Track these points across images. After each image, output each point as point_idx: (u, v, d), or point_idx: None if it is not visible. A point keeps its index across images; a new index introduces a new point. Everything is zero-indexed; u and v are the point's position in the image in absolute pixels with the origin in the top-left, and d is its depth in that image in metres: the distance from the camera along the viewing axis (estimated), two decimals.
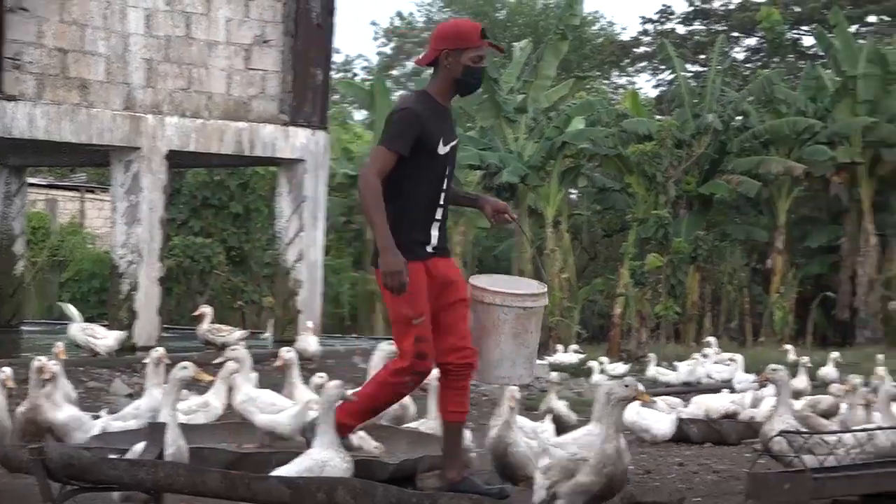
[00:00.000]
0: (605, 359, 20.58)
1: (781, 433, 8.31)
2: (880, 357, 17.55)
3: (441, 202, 6.33)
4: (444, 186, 6.38)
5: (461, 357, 6.41)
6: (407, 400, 9.43)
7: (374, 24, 61.18)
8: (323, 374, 9.17)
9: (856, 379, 10.79)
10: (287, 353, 9.14)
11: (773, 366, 10.03)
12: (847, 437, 8.54)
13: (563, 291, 30.93)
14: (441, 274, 6.34)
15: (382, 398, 6.63)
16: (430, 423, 8.18)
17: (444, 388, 6.59)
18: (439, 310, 6.42)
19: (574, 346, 24.08)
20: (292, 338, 16.27)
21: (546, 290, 6.78)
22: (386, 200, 6.15)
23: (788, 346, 24.17)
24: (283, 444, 7.62)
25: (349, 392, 6.90)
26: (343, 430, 6.52)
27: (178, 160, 17.74)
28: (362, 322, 32.52)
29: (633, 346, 27.23)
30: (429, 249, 6.27)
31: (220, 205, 27.64)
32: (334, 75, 38.22)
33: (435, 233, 6.30)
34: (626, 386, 6.71)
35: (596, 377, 17.67)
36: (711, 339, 22.23)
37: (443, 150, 6.29)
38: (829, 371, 17.38)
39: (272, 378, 10.25)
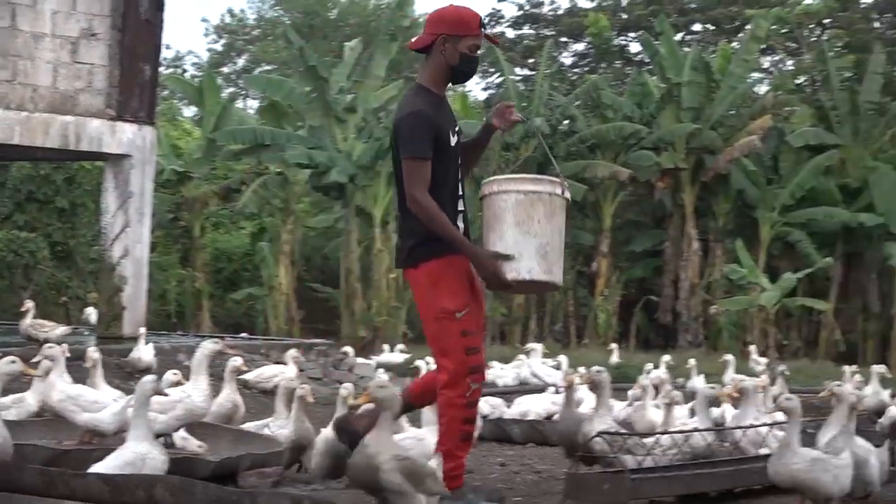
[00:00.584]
0: (430, 359, 22.00)
1: (600, 434, 8.63)
2: (692, 361, 17.98)
3: (461, 192, 6.38)
4: (460, 176, 6.43)
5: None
6: (238, 399, 9.85)
7: (204, 20, 62.09)
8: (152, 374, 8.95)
9: (645, 381, 11.28)
10: (94, 352, 9.13)
11: (596, 368, 10.12)
12: (664, 438, 8.86)
13: (390, 291, 31.75)
14: (469, 268, 6.42)
15: (456, 420, 6.36)
16: (280, 422, 8.31)
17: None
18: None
19: (400, 346, 24.61)
20: (117, 334, 16.35)
21: (561, 181, 6.48)
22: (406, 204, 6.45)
23: (613, 345, 25.85)
24: (109, 441, 7.62)
25: (308, 388, 7.76)
26: (457, 475, 6.31)
27: (2, 153, 17.67)
28: (188, 319, 32.93)
29: None
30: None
31: (46, 199, 27.29)
32: (164, 71, 37.89)
33: (461, 224, 6.30)
34: (13, 362, 6.89)
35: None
36: (537, 346, 21.55)
37: (453, 141, 6.35)
38: (660, 373, 18.39)
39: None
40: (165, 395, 7.67)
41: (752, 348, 24.33)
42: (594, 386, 9.54)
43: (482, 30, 6.49)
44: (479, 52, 6.51)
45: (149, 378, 7.07)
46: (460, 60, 6.29)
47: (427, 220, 6.10)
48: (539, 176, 6.54)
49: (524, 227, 6.13)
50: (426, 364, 19.89)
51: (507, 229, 6.15)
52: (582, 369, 12.46)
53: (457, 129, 6.43)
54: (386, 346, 24.49)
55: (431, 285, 6.29)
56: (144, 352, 14.42)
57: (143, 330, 15.47)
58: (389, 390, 6.18)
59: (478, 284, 6.51)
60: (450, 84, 6.64)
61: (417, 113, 6.24)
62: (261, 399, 13.82)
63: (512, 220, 6.11)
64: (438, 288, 6.27)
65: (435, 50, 6.29)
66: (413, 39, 6.79)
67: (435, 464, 6.80)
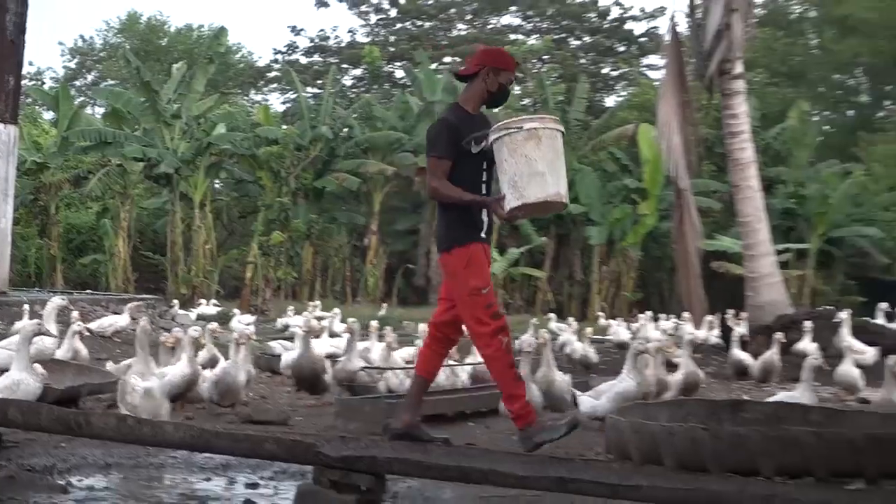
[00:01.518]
0: (237, 311, 24.54)
1: (363, 369, 10.62)
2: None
3: (484, 193, 6.98)
4: (484, 179, 7.02)
5: (454, 333, 7.33)
6: (79, 345, 11.08)
7: (61, 43, 64.57)
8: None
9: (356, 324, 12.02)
10: None
11: (351, 319, 12.82)
12: (401, 373, 10.57)
13: (206, 259, 35.33)
14: (486, 258, 7.07)
15: (502, 367, 7.04)
16: (139, 367, 8.77)
17: (429, 350, 7.34)
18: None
19: (214, 301, 28.61)
20: None
21: (550, 118, 7.05)
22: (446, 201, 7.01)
23: (384, 305, 29.80)
24: None
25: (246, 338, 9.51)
26: (527, 412, 6.97)
27: None
28: (45, 279, 35.79)
29: (259, 302, 32.50)
30: (482, 234, 7.00)
31: None
32: (27, 83, 39.50)
33: (483, 218, 6.96)
34: (39, 323, 8.52)
35: (233, 324, 19.95)
36: (318, 302, 26.64)
37: (475, 149, 6.93)
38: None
39: None
40: (53, 335, 9.66)
41: None
42: (351, 332, 11.43)
43: (515, 70, 7.36)
44: (510, 85, 7.31)
45: (33, 322, 8.45)
46: (498, 89, 7.10)
47: (444, 197, 6.92)
48: (524, 116, 7.04)
49: (515, 161, 6.69)
50: (234, 315, 22.60)
51: (504, 164, 6.73)
52: (351, 319, 13.88)
53: (485, 141, 6.92)
54: (203, 301, 28.44)
55: (463, 268, 6.95)
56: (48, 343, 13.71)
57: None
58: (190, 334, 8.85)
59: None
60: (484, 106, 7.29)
61: (443, 121, 7.11)
62: (102, 343, 15.77)
63: (506, 155, 6.71)
64: (469, 270, 6.95)
65: (479, 77, 7.07)
66: (461, 69, 7.67)
67: None
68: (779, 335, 12.52)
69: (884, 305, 21.96)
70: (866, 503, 4.82)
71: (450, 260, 7.03)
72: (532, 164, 6.66)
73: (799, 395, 9.08)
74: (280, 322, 22.41)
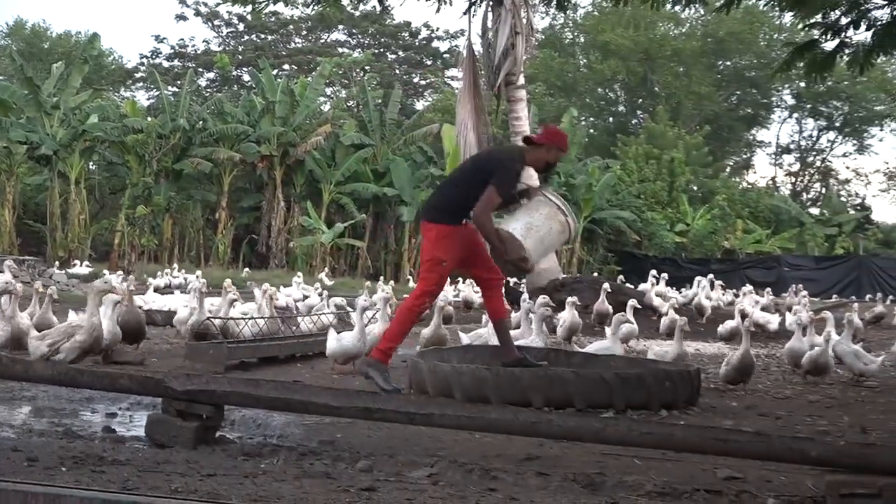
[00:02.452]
0: (106, 272, 22.26)
1: (208, 318, 10.43)
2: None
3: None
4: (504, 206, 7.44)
5: (496, 274, 7.71)
6: None
7: None
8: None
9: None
10: None
11: (199, 278, 13.22)
12: (241, 323, 10.46)
13: (80, 227, 34.83)
14: (469, 231, 7.42)
15: (409, 321, 7.40)
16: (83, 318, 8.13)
17: (491, 296, 7.73)
18: (472, 250, 7.57)
19: (87, 263, 28.15)
20: None
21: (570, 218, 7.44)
22: (459, 196, 7.35)
23: (246, 269, 30.08)
24: None
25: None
26: (387, 354, 7.43)
27: None
28: None
29: (126, 264, 31.68)
30: (462, 222, 7.40)
31: None
32: None
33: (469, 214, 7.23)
34: (105, 282, 8.27)
35: (99, 282, 19.70)
36: (175, 267, 26.53)
37: (510, 193, 7.39)
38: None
39: None
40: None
41: (325, 272, 26.94)
42: (200, 290, 11.33)
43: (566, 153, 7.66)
44: (558, 164, 7.78)
45: None
46: (551, 161, 7.58)
47: (482, 228, 7.23)
48: (561, 203, 7.37)
49: (545, 224, 7.28)
50: (105, 276, 19.71)
51: (534, 219, 7.27)
52: (202, 280, 14.77)
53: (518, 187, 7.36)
54: (77, 262, 27.97)
55: (437, 239, 7.31)
56: None
57: None
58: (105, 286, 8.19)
59: (483, 252, 7.65)
60: (534, 172, 7.83)
61: (514, 169, 7.42)
62: None
63: (540, 217, 7.27)
64: (441, 242, 7.28)
65: (543, 148, 7.48)
66: (535, 137, 7.94)
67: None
68: (573, 298, 12.25)
69: (654, 272, 21.89)
70: (615, 428, 4.91)
71: (430, 229, 7.40)
72: (548, 237, 7.31)
73: (609, 344, 9.13)
74: (162, 281, 22.18)
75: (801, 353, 9.51)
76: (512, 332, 8.35)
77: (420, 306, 7.40)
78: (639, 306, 12.29)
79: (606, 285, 16.20)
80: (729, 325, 13.51)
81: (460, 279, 22.63)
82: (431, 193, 8.47)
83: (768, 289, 22.65)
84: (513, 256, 7.18)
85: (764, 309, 16.78)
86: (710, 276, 22.23)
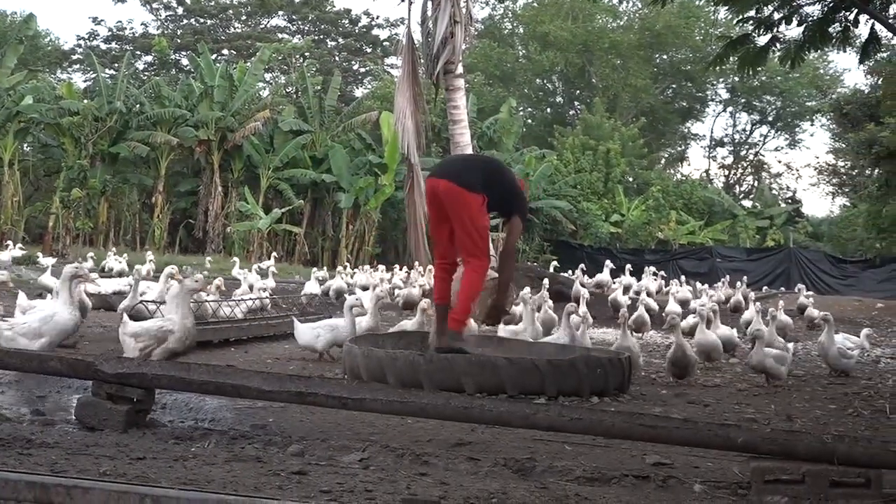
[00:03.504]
0: (40, 254, 24.30)
1: (141, 302, 10.43)
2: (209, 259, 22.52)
3: None
4: None
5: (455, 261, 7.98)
6: None
7: None
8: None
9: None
10: None
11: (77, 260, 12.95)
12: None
13: (13, 209, 34.47)
14: None
15: (478, 288, 7.75)
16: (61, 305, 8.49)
17: (438, 280, 8.01)
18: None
19: (20, 245, 27.48)
20: None
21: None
22: (479, 185, 7.63)
23: (185, 259, 29.53)
24: None
25: None
26: (461, 324, 7.72)
27: None
28: None
29: (60, 247, 31.38)
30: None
31: None
32: None
33: None
34: (197, 281, 7.95)
35: (45, 278, 16.96)
36: (113, 250, 26.30)
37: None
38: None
39: None
40: None
41: (272, 259, 24.01)
42: (138, 274, 11.87)
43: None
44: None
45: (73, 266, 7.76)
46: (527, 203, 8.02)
47: (511, 254, 7.92)
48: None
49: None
50: (37, 258, 22.37)
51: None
52: (138, 266, 14.80)
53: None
54: (10, 243, 27.01)
55: (479, 207, 7.59)
56: None
57: None
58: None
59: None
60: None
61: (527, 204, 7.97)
62: None
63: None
64: (482, 212, 7.61)
65: (521, 195, 7.95)
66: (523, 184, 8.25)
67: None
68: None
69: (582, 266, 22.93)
70: (545, 414, 4.85)
71: (474, 199, 7.59)
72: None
73: (563, 335, 9.11)
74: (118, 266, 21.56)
75: (709, 345, 9.51)
76: (515, 327, 8.97)
77: (483, 274, 7.75)
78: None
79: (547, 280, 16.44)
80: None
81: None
82: (455, 164, 8.39)
83: (697, 282, 23.24)
84: (503, 302, 7.67)
85: (683, 301, 16.89)
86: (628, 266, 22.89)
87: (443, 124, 33.58)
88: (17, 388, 6.89)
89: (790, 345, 9.53)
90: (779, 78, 53.29)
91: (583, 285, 17.83)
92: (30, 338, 7.21)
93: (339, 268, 22.36)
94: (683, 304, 16.04)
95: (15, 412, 5.88)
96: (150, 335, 7.00)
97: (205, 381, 5.36)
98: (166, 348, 6.99)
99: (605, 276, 23.17)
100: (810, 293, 22.25)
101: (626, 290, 19.61)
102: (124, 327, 7.37)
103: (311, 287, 18.55)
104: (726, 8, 11.21)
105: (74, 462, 4.32)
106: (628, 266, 23.53)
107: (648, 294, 19.05)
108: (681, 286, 20.18)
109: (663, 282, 23.76)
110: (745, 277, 22.96)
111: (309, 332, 9.15)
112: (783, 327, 11.91)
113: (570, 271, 24.27)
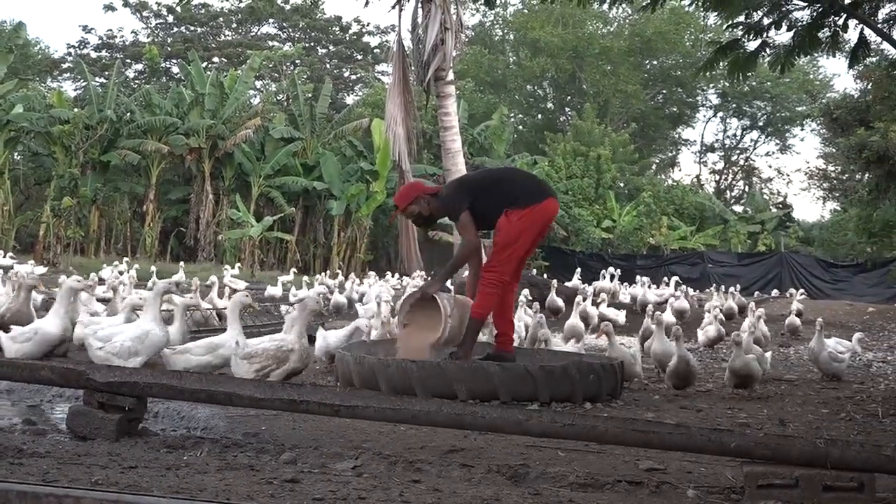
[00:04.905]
0: (32, 262, 24.54)
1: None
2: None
3: None
4: None
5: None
6: None
7: None
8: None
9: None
10: None
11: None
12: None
13: (3, 218, 34.57)
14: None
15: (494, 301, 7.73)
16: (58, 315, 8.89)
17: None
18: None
19: (10, 254, 27.48)
20: None
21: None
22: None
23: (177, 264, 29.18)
24: None
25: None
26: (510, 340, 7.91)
27: None
28: None
29: (51, 256, 31.85)
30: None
31: None
32: None
33: None
34: (317, 302, 7.83)
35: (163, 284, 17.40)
36: (123, 263, 25.47)
37: None
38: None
39: None
40: None
41: (291, 274, 27.52)
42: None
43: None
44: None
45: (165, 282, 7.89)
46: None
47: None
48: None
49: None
50: (29, 266, 20.97)
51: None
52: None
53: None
54: (0, 252, 27.18)
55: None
56: None
57: None
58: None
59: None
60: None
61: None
62: None
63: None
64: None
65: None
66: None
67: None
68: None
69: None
70: (538, 420, 4.85)
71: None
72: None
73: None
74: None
75: (666, 356, 9.01)
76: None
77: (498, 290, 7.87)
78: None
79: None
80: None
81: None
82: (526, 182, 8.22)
83: (688, 288, 23.21)
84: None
85: (680, 311, 16.74)
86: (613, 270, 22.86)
87: (434, 131, 33.58)
88: (8, 398, 6.85)
89: (767, 354, 9.36)
90: (769, 83, 53.43)
91: (559, 293, 17.46)
92: (124, 357, 7.14)
93: (322, 277, 21.84)
94: (680, 314, 15.78)
95: (6, 422, 5.85)
96: (269, 356, 6.69)
97: (196, 389, 5.34)
98: (287, 369, 6.73)
99: (575, 281, 22.85)
100: (802, 291, 22.30)
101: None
102: (237, 349, 7.00)
103: (273, 291, 18.74)
104: (716, 13, 11.23)
105: (66, 471, 4.31)
106: (609, 270, 23.30)
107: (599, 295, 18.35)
108: (675, 293, 20.02)
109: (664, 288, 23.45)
110: (737, 285, 22.95)
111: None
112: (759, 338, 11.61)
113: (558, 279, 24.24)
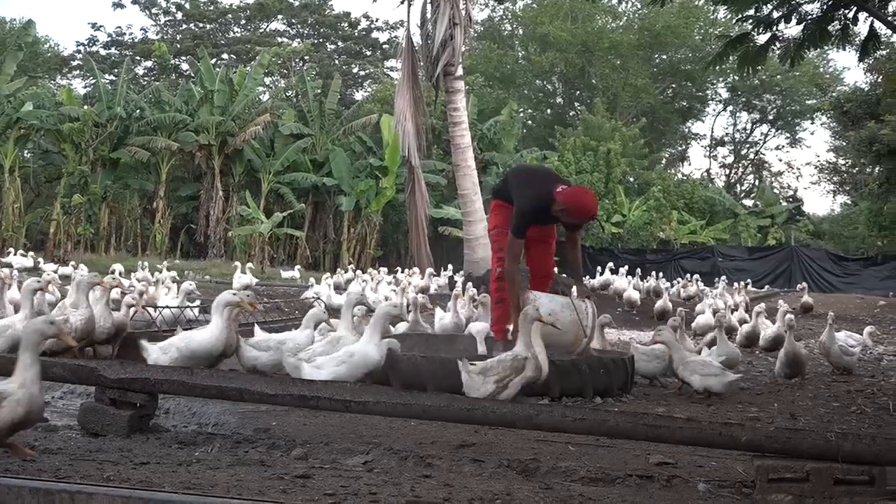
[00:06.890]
0: (41, 260, 24.09)
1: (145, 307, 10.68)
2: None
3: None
4: None
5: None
6: None
7: None
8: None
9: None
10: None
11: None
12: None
13: (14, 216, 34.46)
14: None
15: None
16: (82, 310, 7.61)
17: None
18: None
19: (21, 251, 27.32)
20: None
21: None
22: None
23: (165, 261, 26.22)
24: None
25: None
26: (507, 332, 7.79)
27: None
28: None
29: (61, 253, 31.78)
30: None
31: None
32: None
33: None
34: (395, 306, 7.55)
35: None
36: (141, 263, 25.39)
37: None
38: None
39: None
40: None
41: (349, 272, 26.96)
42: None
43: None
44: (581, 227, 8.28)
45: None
46: (566, 223, 8.15)
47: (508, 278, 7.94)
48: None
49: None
50: (37, 262, 22.10)
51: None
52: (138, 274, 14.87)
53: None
54: (11, 250, 27.50)
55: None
56: None
57: None
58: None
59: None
60: None
61: (532, 212, 8.09)
62: None
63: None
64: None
65: (556, 204, 7.87)
66: (557, 192, 7.79)
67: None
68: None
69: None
70: (548, 415, 4.81)
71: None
72: (556, 338, 7.45)
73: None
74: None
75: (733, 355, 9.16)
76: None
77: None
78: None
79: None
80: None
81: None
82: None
83: (696, 276, 23.25)
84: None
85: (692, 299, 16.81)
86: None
87: (443, 126, 33.58)
88: None
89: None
90: (779, 76, 53.22)
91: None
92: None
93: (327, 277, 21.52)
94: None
95: None
96: (506, 366, 6.07)
97: (208, 385, 5.33)
98: (525, 376, 6.12)
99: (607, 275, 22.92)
100: (804, 285, 22.26)
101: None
102: (465, 366, 6.16)
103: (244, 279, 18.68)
104: (725, 7, 11.24)
105: (78, 468, 4.32)
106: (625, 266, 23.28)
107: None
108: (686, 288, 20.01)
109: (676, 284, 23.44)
110: (748, 280, 22.85)
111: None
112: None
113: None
